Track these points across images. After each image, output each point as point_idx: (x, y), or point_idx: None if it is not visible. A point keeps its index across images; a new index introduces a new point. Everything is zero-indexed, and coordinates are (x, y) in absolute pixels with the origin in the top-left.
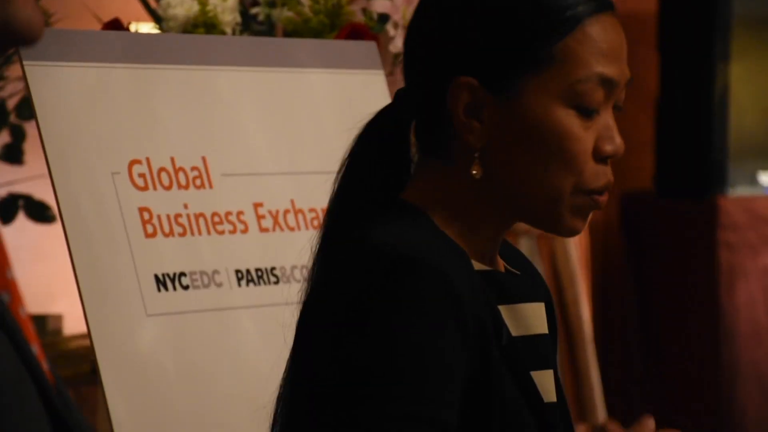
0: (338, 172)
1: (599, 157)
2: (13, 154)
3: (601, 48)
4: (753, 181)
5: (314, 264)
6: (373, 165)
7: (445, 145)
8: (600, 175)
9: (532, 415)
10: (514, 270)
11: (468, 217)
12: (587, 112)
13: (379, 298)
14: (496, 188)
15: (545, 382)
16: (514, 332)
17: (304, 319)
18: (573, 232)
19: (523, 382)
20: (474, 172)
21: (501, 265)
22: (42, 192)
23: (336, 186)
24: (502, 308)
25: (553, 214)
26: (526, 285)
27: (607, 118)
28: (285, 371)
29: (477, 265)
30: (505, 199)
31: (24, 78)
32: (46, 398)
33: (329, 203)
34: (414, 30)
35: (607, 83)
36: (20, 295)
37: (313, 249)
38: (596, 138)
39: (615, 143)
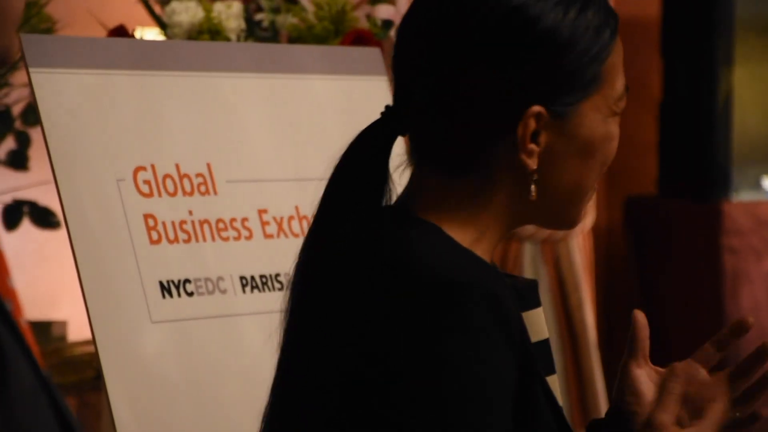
0: (328, 181)
1: None
2: (19, 160)
3: (622, 57)
4: (756, 186)
5: (310, 274)
6: (365, 178)
7: (471, 162)
8: None
9: (554, 422)
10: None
11: (475, 228)
12: (620, 115)
13: (436, 326)
14: (541, 203)
15: (554, 387)
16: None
17: (315, 335)
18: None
19: (544, 388)
20: (532, 194)
21: None
22: (47, 198)
23: (325, 195)
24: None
25: (579, 212)
26: (531, 291)
27: None
28: (277, 383)
29: None
30: (537, 209)
31: (30, 84)
32: (55, 408)
33: (317, 211)
34: (456, 72)
35: (627, 88)
36: (20, 304)
37: (303, 257)
38: None
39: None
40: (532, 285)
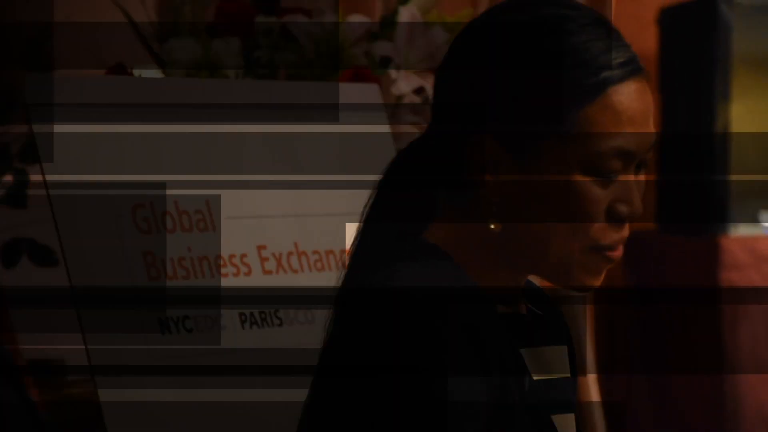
0: (366, 204)
1: (613, 217)
2: (17, 198)
3: (622, 118)
4: (755, 221)
5: (338, 301)
6: (401, 200)
7: (465, 191)
8: (609, 232)
9: None
10: (536, 310)
11: (486, 260)
12: (605, 178)
13: (404, 344)
14: (511, 240)
15: (567, 425)
16: (536, 375)
17: (325, 360)
18: (585, 289)
19: (544, 426)
20: (492, 226)
21: (523, 306)
22: (45, 236)
23: (364, 217)
24: (524, 351)
25: (562, 271)
26: (550, 327)
27: (626, 180)
28: (303, 413)
29: (499, 308)
30: (518, 251)
31: (28, 122)
32: None
33: (355, 236)
34: (439, 78)
35: (624, 155)
36: (18, 345)
37: (340, 283)
38: (612, 198)
39: (632, 206)
40: (564, 330)
